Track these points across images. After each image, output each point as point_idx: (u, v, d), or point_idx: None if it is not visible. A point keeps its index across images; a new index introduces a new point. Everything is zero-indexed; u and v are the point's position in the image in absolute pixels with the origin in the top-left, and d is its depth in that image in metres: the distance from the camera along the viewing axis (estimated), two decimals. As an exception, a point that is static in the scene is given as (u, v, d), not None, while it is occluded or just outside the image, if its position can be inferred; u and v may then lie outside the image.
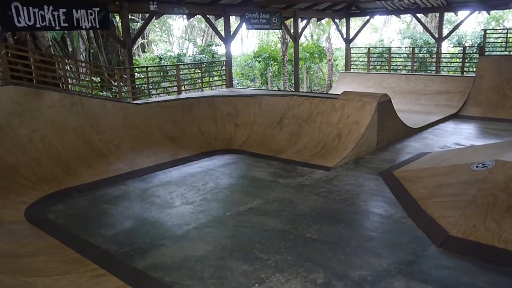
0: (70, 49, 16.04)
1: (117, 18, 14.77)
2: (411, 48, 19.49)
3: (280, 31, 20.04)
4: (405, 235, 5.27)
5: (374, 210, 6.09)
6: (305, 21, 18.54)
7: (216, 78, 15.45)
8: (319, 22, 22.46)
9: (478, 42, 21.76)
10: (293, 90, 17.79)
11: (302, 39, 23.50)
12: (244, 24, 14.49)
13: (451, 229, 5.04)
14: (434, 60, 18.40)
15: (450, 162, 6.87)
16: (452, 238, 4.93)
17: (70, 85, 11.24)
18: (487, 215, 5.00)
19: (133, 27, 18.29)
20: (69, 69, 13.79)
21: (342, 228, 5.49)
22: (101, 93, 13.83)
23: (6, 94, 7.66)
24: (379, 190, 6.85)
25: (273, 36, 27.61)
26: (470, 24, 26.34)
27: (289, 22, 18.24)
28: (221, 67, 15.24)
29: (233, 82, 15.07)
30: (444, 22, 18.00)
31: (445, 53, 19.30)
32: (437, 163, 7.25)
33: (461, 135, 10.51)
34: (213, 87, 14.34)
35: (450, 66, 19.03)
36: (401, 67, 19.51)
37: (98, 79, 14.48)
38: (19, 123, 7.55)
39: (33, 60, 10.54)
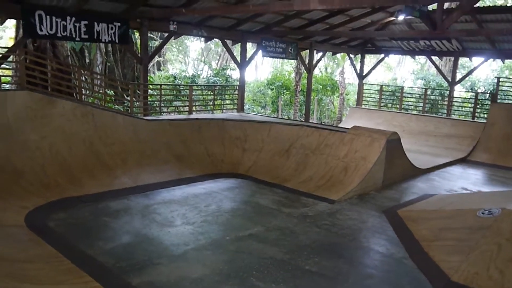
0: (87, 61, 16.29)
1: (137, 34, 15.04)
2: (423, 89, 19.58)
3: (295, 61, 20.26)
4: (405, 276, 5.17)
5: (376, 247, 6.01)
6: (320, 54, 18.75)
7: (228, 101, 15.57)
8: (334, 55, 22.71)
9: (491, 89, 21.84)
10: (303, 120, 17.85)
11: (316, 71, 23.70)
12: (260, 51, 14.68)
13: (452, 274, 4.95)
14: (445, 103, 18.47)
15: (455, 206, 6.80)
16: (453, 283, 4.83)
17: (83, 96, 11.38)
18: (490, 263, 4.90)
19: (151, 45, 18.59)
20: (84, 80, 13.97)
21: (341, 263, 5.41)
22: (113, 106, 13.96)
23: (21, 98, 7.75)
24: (382, 228, 6.77)
25: (287, 66, 27.90)
26: (484, 71, 26.48)
27: (305, 53, 18.45)
28: (234, 91, 15.37)
29: (244, 107, 15.16)
30: (458, 67, 18.13)
31: (457, 97, 19.37)
32: (442, 206, 7.18)
33: (468, 180, 10.43)
34: (224, 110, 14.44)
35: (461, 110, 19.05)
36: (412, 107, 19.57)
37: (112, 92, 14.65)
38: (29, 128, 7.62)
39: (50, 68, 10.72)
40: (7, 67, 12.70)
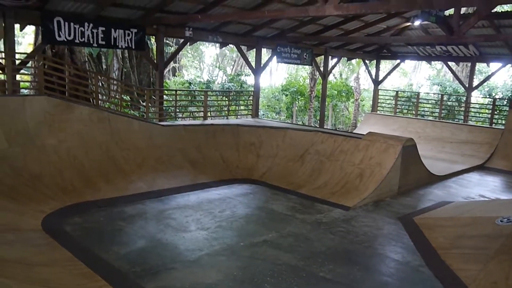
0: (104, 67, 16.50)
1: (153, 40, 15.19)
2: (440, 95, 19.38)
3: (310, 67, 20.24)
4: (421, 284, 5.10)
5: (391, 255, 5.94)
6: (335, 59, 18.72)
7: (242, 107, 15.60)
8: (349, 61, 22.64)
9: (509, 95, 21.52)
10: (318, 126, 17.80)
11: (330, 77, 23.66)
12: (275, 57, 14.70)
13: (470, 283, 4.86)
14: (462, 109, 18.24)
15: (473, 214, 6.70)
16: (471, 293, 4.75)
17: (100, 101, 11.52)
18: (510, 273, 4.80)
19: (166, 51, 18.75)
20: (101, 85, 14.15)
21: (356, 271, 5.36)
22: (129, 112, 14.10)
23: (39, 104, 7.88)
24: (397, 235, 6.69)
25: (302, 71, 27.89)
26: (502, 76, 26.10)
27: (320, 59, 18.43)
28: (249, 97, 15.41)
29: (259, 113, 15.18)
30: (475, 72, 17.92)
31: (474, 103, 19.14)
32: (459, 213, 7.07)
33: (486, 187, 10.27)
34: (238, 116, 14.47)
35: (479, 117, 18.81)
36: (428, 113, 19.38)
37: (128, 97, 14.80)
38: (47, 133, 7.72)
39: (68, 73, 10.88)
40: (26, 72, 12.94)
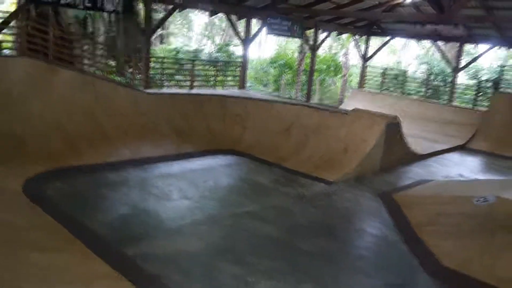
0: (90, 30, 16.10)
1: (141, 5, 14.84)
2: (427, 74, 19.46)
3: (299, 40, 20.06)
4: (397, 259, 5.25)
5: (370, 230, 6.08)
6: (325, 33, 18.56)
7: (229, 78, 15.48)
8: (339, 36, 22.47)
9: (494, 77, 21.72)
10: (305, 100, 17.79)
11: (319, 51, 23.52)
12: (265, 28, 14.52)
13: (444, 258, 5.02)
14: (448, 89, 18.37)
15: (451, 193, 6.85)
16: (444, 268, 4.91)
17: (85, 65, 11.31)
18: (483, 250, 4.97)
19: (155, 17, 18.35)
20: (86, 49, 13.85)
21: (335, 244, 5.48)
22: (114, 78, 13.88)
23: (21, 65, 7.70)
24: (377, 211, 6.83)
25: (292, 44, 27.63)
26: (489, 59, 26.24)
27: (310, 32, 18.26)
28: (236, 68, 15.27)
29: (246, 85, 15.09)
30: (463, 53, 17.98)
31: (459, 84, 19.27)
32: (438, 191, 7.23)
33: (465, 167, 10.47)
34: (225, 87, 14.37)
35: (464, 97, 18.99)
36: (414, 92, 19.49)
37: (114, 63, 14.54)
38: (30, 95, 7.57)
39: (52, 35, 10.61)
40: (8, 32, 12.57)
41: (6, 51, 12.07)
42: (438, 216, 6.10)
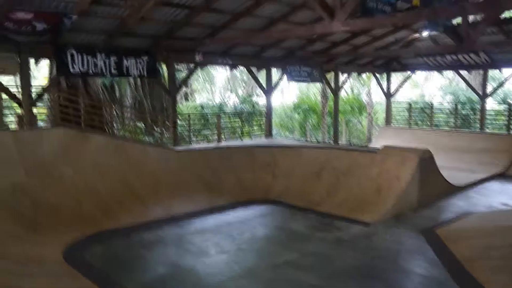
0: (117, 95, 16.74)
1: (164, 67, 15.41)
2: (454, 104, 19.22)
3: (321, 84, 20.28)
4: (449, 299, 4.98)
5: (416, 270, 5.82)
6: (345, 75, 18.73)
7: (255, 128, 15.64)
8: (359, 76, 22.63)
9: (525, 100, 21.26)
10: (332, 142, 17.73)
11: (342, 92, 23.66)
12: (285, 76, 14.78)
13: (500, 296, 4.73)
14: (478, 117, 18.03)
15: (498, 223, 6.55)
16: (501, 306, 4.61)
17: (115, 130, 11.66)
18: (540, 283, 4.67)
19: (178, 76, 18.98)
20: (115, 114, 14.34)
21: (380, 287, 5.26)
22: (144, 138, 14.23)
23: (56, 135, 8.01)
24: (420, 249, 6.56)
25: (313, 88, 27.94)
26: (516, 82, 25.80)
27: (330, 75, 18.48)
28: (261, 117, 15.45)
29: (272, 133, 15.20)
30: (488, 79, 17.75)
31: (489, 110, 18.91)
32: (483, 223, 6.93)
33: (508, 195, 10.04)
34: (252, 137, 14.50)
35: (495, 123, 18.57)
36: (443, 123, 19.20)
37: (142, 124, 14.96)
38: (65, 164, 7.81)
39: (83, 104, 11.07)
40: (42, 105, 13.19)
41: (41, 123, 12.63)
42: (486, 249, 5.81)
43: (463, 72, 18.14)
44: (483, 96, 16.82)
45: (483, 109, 17.04)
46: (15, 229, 6.34)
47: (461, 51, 15.04)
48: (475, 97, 19.88)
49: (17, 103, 9.47)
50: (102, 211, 7.64)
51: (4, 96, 9.00)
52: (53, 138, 7.92)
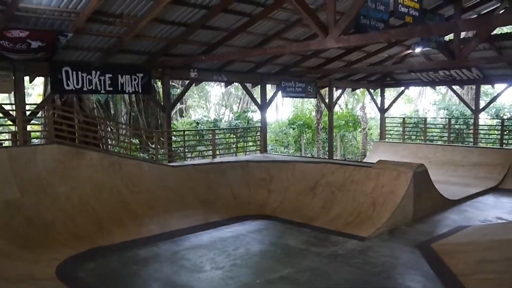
0: (112, 112, 16.78)
1: (159, 83, 15.50)
2: (447, 119, 19.37)
3: (315, 99, 20.40)
4: (445, 313, 4.95)
5: (412, 284, 5.80)
6: (340, 91, 18.88)
7: (250, 143, 15.68)
8: (353, 91, 22.81)
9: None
10: (327, 157, 17.77)
11: (336, 108, 23.80)
12: (279, 92, 14.87)
13: (495, 309, 4.72)
14: (471, 131, 18.16)
15: (493, 237, 6.55)
16: (497, 319, 4.60)
17: (109, 146, 11.66)
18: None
19: (172, 93, 19.07)
20: (110, 130, 14.33)
21: (377, 303, 5.23)
22: (138, 155, 14.21)
23: (50, 152, 7.99)
24: (416, 263, 6.55)
25: (308, 104, 28.11)
26: (508, 97, 26.04)
27: (324, 91, 18.61)
28: (256, 133, 15.50)
29: (267, 148, 15.23)
30: (480, 94, 17.93)
31: (482, 125, 19.06)
32: (478, 237, 6.93)
33: (502, 209, 10.08)
34: (247, 152, 14.52)
35: (489, 138, 18.70)
36: (437, 137, 19.31)
37: (137, 141, 14.95)
38: (59, 181, 7.79)
39: (77, 121, 11.07)
40: (36, 122, 13.17)
41: (35, 140, 12.60)
42: (482, 263, 5.80)
43: (456, 87, 18.35)
44: (476, 111, 16.97)
45: (476, 124, 17.18)
46: (8, 247, 6.29)
47: (454, 67, 15.22)
48: (468, 111, 20.08)
49: (11, 120, 9.47)
50: (96, 227, 7.60)
51: (-2, 113, 8.98)
52: (47, 154, 7.91)
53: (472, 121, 18.10)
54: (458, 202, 10.53)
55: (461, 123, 21.36)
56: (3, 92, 9.37)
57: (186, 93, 19.20)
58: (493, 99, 17.95)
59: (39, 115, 10.66)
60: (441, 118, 22.55)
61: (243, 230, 8.48)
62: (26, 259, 6.18)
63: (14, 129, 9.21)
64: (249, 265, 6.62)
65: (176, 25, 9.67)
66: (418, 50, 14.46)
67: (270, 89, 16.12)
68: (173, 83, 20.05)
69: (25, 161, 7.59)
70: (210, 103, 32.96)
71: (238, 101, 31.96)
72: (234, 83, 15.34)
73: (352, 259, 6.77)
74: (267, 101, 14.82)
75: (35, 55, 8.59)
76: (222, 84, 15.20)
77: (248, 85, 14.84)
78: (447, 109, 24.72)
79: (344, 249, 7.23)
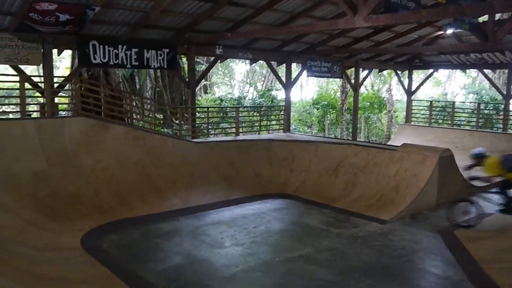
0: (137, 86, 16.89)
1: (184, 59, 15.49)
2: (476, 103, 18.87)
3: (340, 79, 20.11)
4: (465, 300, 4.91)
5: (431, 269, 5.75)
6: (366, 71, 18.54)
7: (274, 122, 15.62)
8: (380, 72, 22.38)
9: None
10: (351, 139, 17.60)
11: (362, 89, 23.41)
12: (305, 71, 14.70)
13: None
14: (501, 117, 17.66)
15: (518, 226, 6.42)
16: (518, 308, 4.53)
17: (134, 120, 11.78)
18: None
19: (198, 69, 19.06)
20: (135, 105, 14.46)
21: (395, 286, 5.22)
22: (162, 130, 14.34)
23: (76, 124, 8.14)
24: (437, 248, 6.49)
25: (333, 84, 27.74)
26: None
27: (350, 71, 18.31)
28: (280, 112, 15.42)
29: (291, 127, 15.16)
30: (513, 79, 17.34)
31: (513, 111, 18.50)
32: (503, 225, 6.81)
33: (529, 198, 9.83)
34: (270, 131, 14.49)
35: (519, 125, 18.15)
36: (464, 122, 18.87)
37: (161, 116, 15.07)
38: (84, 153, 7.94)
39: (103, 94, 11.19)
40: (64, 95, 13.37)
41: (63, 112, 12.83)
42: (505, 251, 5.71)
43: (487, 71, 17.78)
44: (507, 96, 16.46)
45: (506, 109, 16.68)
46: (35, 217, 6.49)
47: (486, 50, 14.71)
48: (499, 96, 19.49)
49: (39, 92, 9.63)
50: (120, 200, 7.76)
51: (27, 85, 9.12)
52: (73, 127, 8.05)
53: (502, 106, 17.58)
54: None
55: (491, 108, 20.75)
56: (32, 64, 9.51)
57: (211, 70, 19.16)
58: (526, 84, 17.34)
59: (66, 87, 10.80)
60: (470, 102, 21.96)
61: (264, 208, 8.53)
62: (52, 229, 6.37)
63: (42, 101, 9.37)
64: (269, 243, 6.67)
65: (203, 1, 9.59)
66: (449, 31, 13.99)
67: (295, 68, 15.94)
68: (198, 59, 20.01)
69: (52, 133, 7.75)
70: (235, 80, 32.87)
71: (263, 79, 31.77)
72: (259, 61, 15.20)
73: (372, 241, 6.75)
74: (292, 80, 14.67)
75: (63, 28, 8.66)
76: (247, 61, 15.08)
77: (273, 64, 14.70)
78: (476, 94, 24.05)
79: (364, 231, 7.21)
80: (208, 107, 14.64)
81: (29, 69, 18.50)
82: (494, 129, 18.17)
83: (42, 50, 9.07)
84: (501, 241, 6.07)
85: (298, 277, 5.41)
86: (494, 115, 20.07)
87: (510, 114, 17.14)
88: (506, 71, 17.16)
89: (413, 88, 19.44)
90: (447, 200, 8.87)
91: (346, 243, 6.66)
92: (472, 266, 5.68)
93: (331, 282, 5.26)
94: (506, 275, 5.19)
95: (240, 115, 13.51)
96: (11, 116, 11.19)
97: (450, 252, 6.30)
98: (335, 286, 5.16)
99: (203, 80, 22.79)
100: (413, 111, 19.40)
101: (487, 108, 20.63)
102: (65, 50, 10.61)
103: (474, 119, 17.74)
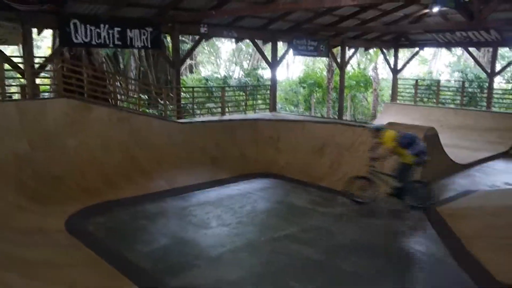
0: (121, 66, 16.63)
1: (169, 39, 15.26)
2: (461, 82, 18.99)
3: (327, 58, 20.03)
4: (446, 275, 5.01)
5: (415, 246, 5.86)
6: (352, 50, 18.47)
7: (260, 101, 15.55)
8: (366, 51, 22.31)
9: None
10: (337, 117, 17.64)
11: (348, 68, 23.37)
12: (291, 50, 14.59)
13: (498, 274, 4.74)
14: (485, 95, 17.82)
15: (500, 202, 6.54)
16: (499, 283, 4.63)
17: (118, 101, 11.62)
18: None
19: (182, 48, 18.79)
20: (119, 85, 14.26)
21: (379, 262, 5.30)
22: (147, 111, 14.19)
23: (59, 106, 7.99)
24: (421, 225, 6.59)
25: (319, 63, 27.64)
26: (525, 60, 25.39)
27: (337, 50, 18.22)
28: (266, 91, 15.35)
29: (277, 107, 15.11)
30: (497, 57, 17.47)
31: (497, 89, 18.66)
32: (485, 202, 6.92)
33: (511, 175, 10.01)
34: (256, 110, 14.43)
35: (502, 103, 18.36)
36: (449, 101, 19.01)
37: (146, 96, 14.89)
38: (67, 135, 7.82)
39: (86, 75, 10.98)
40: (46, 76, 13.10)
41: (45, 94, 12.59)
42: (487, 228, 5.81)
43: (472, 49, 17.84)
44: (492, 74, 16.58)
45: (490, 88, 16.82)
46: (19, 200, 6.40)
47: (472, 28, 14.73)
48: (483, 75, 19.63)
49: (20, 73, 9.41)
50: (105, 182, 7.69)
51: (6, 66, 8.89)
52: (56, 108, 7.91)
53: (486, 84, 17.73)
54: (467, 167, 10.44)
55: (475, 86, 20.92)
56: (10, 44, 9.28)
57: (196, 49, 18.92)
58: (510, 63, 17.49)
59: (48, 68, 10.57)
60: (455, 80, 22.08)
61: (250, 188, 8.54)
62: (36, 211, 6.30)
63: (23, 82, 9.17)
64: (255, 223, 6.70)
65: (187, -22, 9.40)
66: (435, 9, 13.91)
67: (281, 46, 15.77)
68: (183, 38, 19.73)
69: (34, 115, 7.60)
70: (221, 59, 32.55)
71: (249, 58, 31.51)
72: (245, 40, 15.04)
73: (358, 219, 6.82)
74: (278, 59, 14.57)
75: (42, 6, 8.41)
76: (233, 40, 14.92)
77: (259, 42, 14.55)
78: (461, 72, 24.19)
79: (350, 209, 7.28)
80: (193, 87, 14.46)
81: (10, 50, 18.09)
82: (478, 107, 18.36)
83: (21, 30, 8.82)
84: (483, 218, 6.17)
85: (284, 256, 5.46)
86: (478, 93, 20.24)
87: (494, 92, 17.31)
88: (491, 49, 17.25)
89: (399, 67, 19.46)
90: (431, 178, 8.99)
91: (332, 222, 6.73)
92: (455, 243, 5.79)
93: (316, 261, 5.32)
94: (488, 251, 5.29)
95: (226, 94, 13.42)
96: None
97: (433, 229, 6.41)
98: (320, 265, 5.22)
99: (188, 60, 22.54)
100: (399, 89, 19.46)
101: (472, 87, 20.78)
102: (45, 30, 10.35)
103: (459, 98, 17.88)
